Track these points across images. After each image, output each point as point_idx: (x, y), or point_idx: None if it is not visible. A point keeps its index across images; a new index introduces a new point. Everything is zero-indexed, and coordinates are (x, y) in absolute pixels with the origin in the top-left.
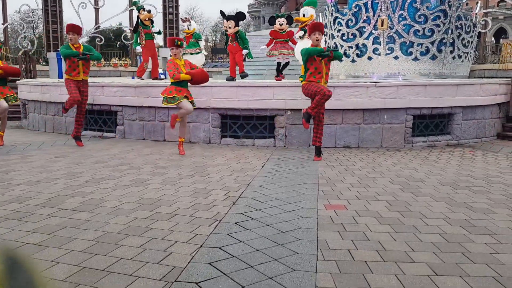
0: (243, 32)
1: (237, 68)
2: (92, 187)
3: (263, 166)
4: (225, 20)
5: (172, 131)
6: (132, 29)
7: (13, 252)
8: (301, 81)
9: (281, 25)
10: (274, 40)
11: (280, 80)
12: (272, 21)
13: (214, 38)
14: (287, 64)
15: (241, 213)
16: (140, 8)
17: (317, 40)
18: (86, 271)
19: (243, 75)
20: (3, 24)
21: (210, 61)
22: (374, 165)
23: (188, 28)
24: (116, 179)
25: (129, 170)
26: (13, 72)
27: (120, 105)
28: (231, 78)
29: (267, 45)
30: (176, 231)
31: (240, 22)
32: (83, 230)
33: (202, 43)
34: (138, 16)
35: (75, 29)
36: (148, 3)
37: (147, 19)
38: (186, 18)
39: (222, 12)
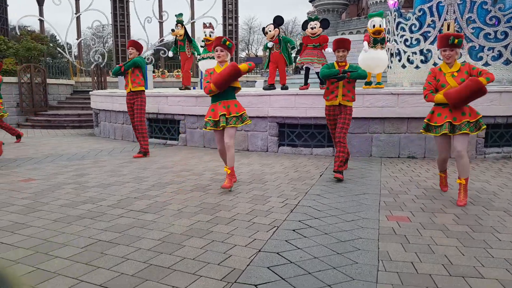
0: (286, 37)
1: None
2: (157, 190)
3: (321, 175)
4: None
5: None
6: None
7: None
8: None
9: (312, 28)
10: (306, 46)
11: (306, 89)
12: (304, 26)
13: None
14: (308, 70)
15: (299, 221)
16: (178, 22)
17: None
18: (153, 268)
19: (284, 88)
20: (77, 39)
21: None
22: None
23: (211, 36)
24: (179, 184)
25: (191, 176)
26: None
27: (182, 114)
28: (269, 87)
29: (300, 54)
30: (235, 235)
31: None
32: (149, 230)
33: None
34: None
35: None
36: (208, 15)
37: (179, 35)
38: (210, 24)
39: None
